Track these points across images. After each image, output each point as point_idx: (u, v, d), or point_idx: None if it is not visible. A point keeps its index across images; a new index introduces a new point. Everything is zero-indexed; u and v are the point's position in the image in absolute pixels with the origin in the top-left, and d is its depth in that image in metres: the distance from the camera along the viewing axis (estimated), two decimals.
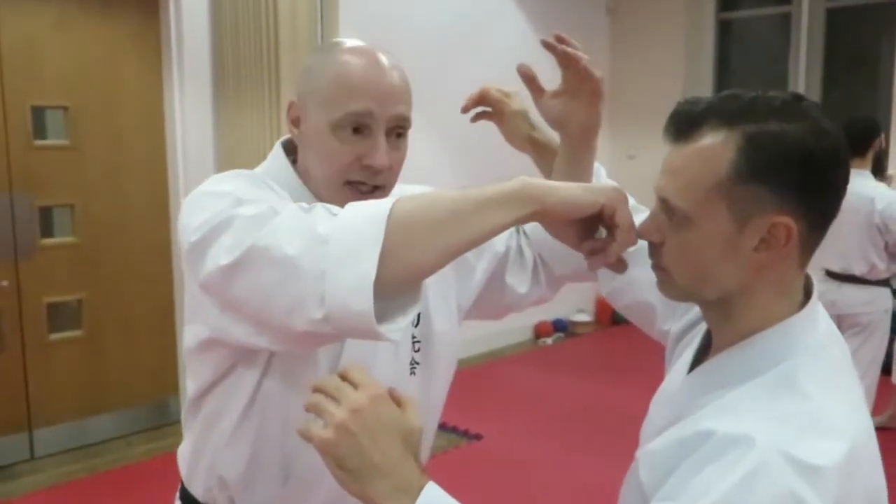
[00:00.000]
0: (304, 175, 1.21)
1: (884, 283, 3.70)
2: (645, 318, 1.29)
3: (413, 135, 1.22)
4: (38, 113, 3.74)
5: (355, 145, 1.13)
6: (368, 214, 0.92)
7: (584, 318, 6.29)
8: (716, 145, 0.89)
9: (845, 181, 0.91)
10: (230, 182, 1.10)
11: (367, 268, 0.88)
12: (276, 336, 1.02)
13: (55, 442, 3.89)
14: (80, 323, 3.96)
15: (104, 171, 3.97)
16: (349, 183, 1.15)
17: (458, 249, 0.94)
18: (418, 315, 1.27)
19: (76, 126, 3.84)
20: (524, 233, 1.39)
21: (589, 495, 3.42)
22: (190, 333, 1.18)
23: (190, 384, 1.27)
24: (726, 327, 0.96)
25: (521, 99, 1.40)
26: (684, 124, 0.92)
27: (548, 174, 1.41)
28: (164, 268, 4.22)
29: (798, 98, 0.91)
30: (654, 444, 0.95)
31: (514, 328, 5.73)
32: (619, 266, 1.01)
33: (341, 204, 1.07)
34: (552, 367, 5.26)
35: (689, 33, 6.13)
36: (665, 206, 0.93)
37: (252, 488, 1.24)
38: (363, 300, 0.88)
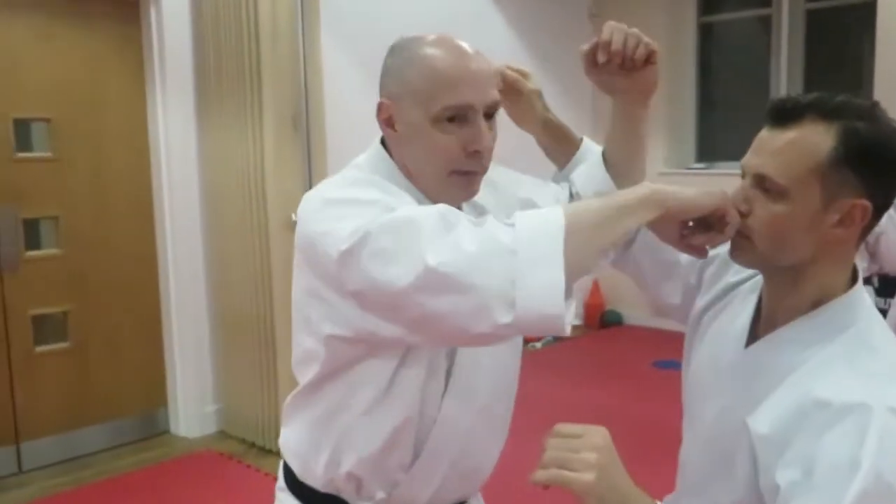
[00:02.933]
0: (402, 172, 1.24)
1: (865, 281, 3.72)
2: (659, 273, 1.39)
3: None
4: (21, 125, 3.72)
5: (457, 134, 1.18)
6: (546, 225, 0.99)
7: (573, 321, 6.28)
8: (817, 134, 1.05)
9: None
10: (368, 190, 1.14)
11: (557, 274, 0.96)
12: (434, 337, 1.08)
13: (42, 455, 3.86)
14: (65, 335, 3.93)
15: (88, 182, 3.95)
16: (454, 172, 1.20)
17: (607, 251, 1.05)
18: None
19: (59, 138, 3.82)
20: None
21: (579, 498, 3.42)
22: (309, 333, 1.21)
23: (307, 370, 1.27)
24: (792, 293, 1.11)
25: (537, 79, 1.43)
26: (787, 113, 1.07)
27: (558, 158, 1.47)
28: (150, 278, 4.20)
29: (876, 105, 1.08)
30: (761, 424, 1.05)
31: None
32: (702, 251, 1.16)
33: (447, 195, 1.19)
34: (542, 370, 5.27)
35: (670, 37, 6.16)
36: (761, 181, 1.08)
37: (381, 472, 1.27)
38: (557, 303, 0.97)
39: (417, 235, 1.00)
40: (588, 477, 0.96)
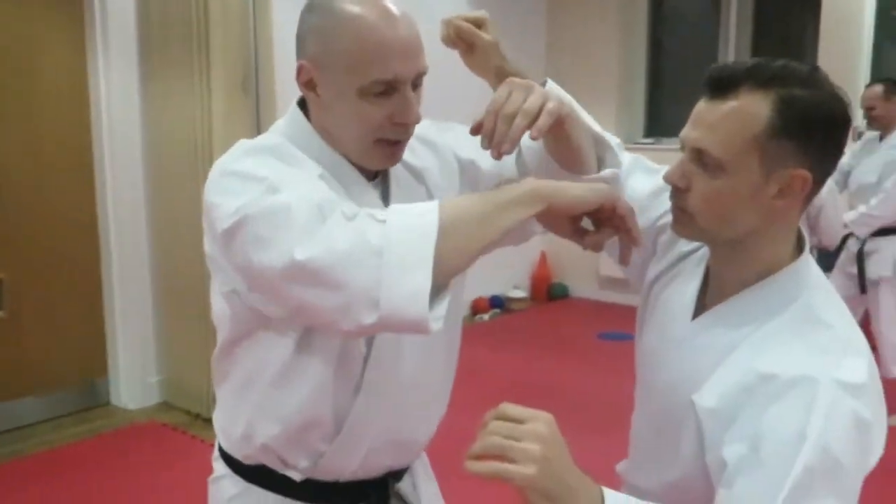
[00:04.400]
0: (322, 135, 1.21)
1: None
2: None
3: None
4: None
5: (384, 105, 1.14)
6: (418, 226, 0.98)
7: (520, 294, 6.34)
8: (754, 104, 1.01)
9: (846, 143, 1.06)
10: (264, 163, 1.10)
11: (423, 279, 0.95)
12: (314, 324, 1.09)
13: None
14: (0, 304, 3.81)
15: (24, 147, 3.80)
16: (379, 140, 1.17)
17: (486, 248, 1.02)
18: None
19: None
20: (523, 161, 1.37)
21: (520, 491, 3.46)
22: (216, 292, 1.21)
23: (221, 328, 1.25)
24: (737, 266, 1.10)
25: (494, 27, 1.38)
26: (723, 83, 1.03)
27: None
28: (91, 247, 4.09)
29: (816, 69, 1.04)
30: (707, 399, 1.05)
31: None
32: (628, 258, 1.13)
33: (369, 160, 1.20)
34: (489, 342, 5.31)
35: (622, 16, 6.19)
36: (698, 156, 1.04)
37: (301, 444, 1.24)
38: (420, 308, 0.95)
39: (290, 226, 0.99)
40: (529, 470, 0.87)
